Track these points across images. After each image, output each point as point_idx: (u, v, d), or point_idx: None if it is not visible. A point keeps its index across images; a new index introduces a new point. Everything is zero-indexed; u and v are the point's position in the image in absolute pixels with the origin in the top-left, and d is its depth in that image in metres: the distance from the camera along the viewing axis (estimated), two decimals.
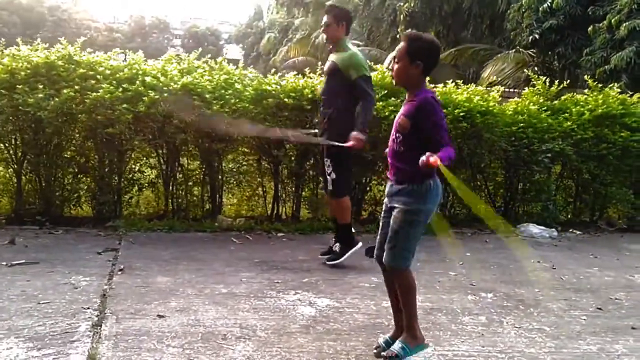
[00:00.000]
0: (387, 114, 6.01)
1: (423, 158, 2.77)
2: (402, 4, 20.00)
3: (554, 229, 6.76)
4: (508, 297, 4.43)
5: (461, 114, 6.37)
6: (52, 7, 66.98)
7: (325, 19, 4.93)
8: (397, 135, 3.08)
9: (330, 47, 5.07)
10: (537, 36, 12.99)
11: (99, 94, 5.59)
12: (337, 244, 5.02)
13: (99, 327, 3.39)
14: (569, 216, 7.83)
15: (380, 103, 6.06)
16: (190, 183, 6.45)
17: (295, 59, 29.07)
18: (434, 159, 2.74)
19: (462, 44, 19.06)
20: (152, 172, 6.47)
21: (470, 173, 7.15)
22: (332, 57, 4.93)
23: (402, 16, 20.02)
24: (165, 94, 5.72)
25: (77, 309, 3.66)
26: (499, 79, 14.89)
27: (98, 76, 5.77)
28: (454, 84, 6.90)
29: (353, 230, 5.12)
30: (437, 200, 3.07)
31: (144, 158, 6.44)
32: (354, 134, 4.56)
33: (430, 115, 2.93)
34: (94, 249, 5.09)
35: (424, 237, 6.25)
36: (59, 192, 6.23)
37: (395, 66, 3.04)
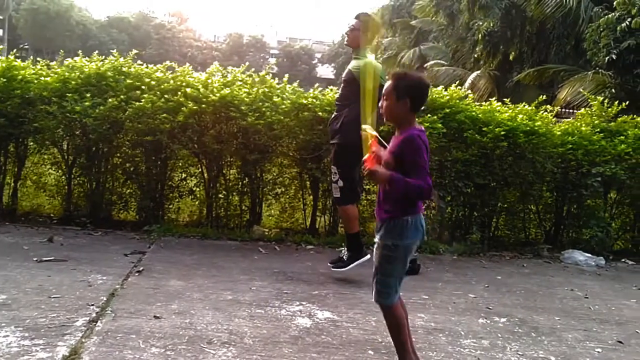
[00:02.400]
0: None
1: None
2: (481, 23, 19.59)
3: (601, 257, 6.36)
4: (522, 322, 4.23)
5: (502, 132, 6.17)
6: (158, 25, 70.95)
7: (353, 22, 4.94)
8: None
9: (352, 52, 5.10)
10: (614, 57, 12.35)
11: (141, 103, 5.86)
12: (347, 253, 4.99)
13: (94, 323, 3.54)
14: (629, 245, 7.36)
15: (417, 119, 5.95)
16: (230, 193, 6.59)
17: None
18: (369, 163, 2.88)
19: (547, 64, 18.44)
20: (192, 181, 6.67)
21: (520, 194, 6.88)
22: (350, 65, 4.96)
23: (480, 36, 19.60)
24: (204, 105, 5.91)
25: (82, 305, 3.84)
26: (579, 101, 14.28)
27: (143, 87, 6.05)
28: (495, 103, 6.71)
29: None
30: (416, 236, 3.00)
31: (187, 167, 6.64)
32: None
33: (410, 152, 2.88)
34: (124, 251, 5.31)
35: (455, 258, 6.18)
36: (107, 196, 6.55)
37: (384, 103, 3.03)
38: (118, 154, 6.44)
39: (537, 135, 6.37)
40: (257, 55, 73.51)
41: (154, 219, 6.40)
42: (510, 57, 20.14)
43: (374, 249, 3.05)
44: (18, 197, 6.58)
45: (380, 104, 3.04)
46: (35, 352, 3.07)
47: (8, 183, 6.49)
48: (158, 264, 4.98)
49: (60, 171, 6.49)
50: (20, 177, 6.57)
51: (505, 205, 6.88)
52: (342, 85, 5.09)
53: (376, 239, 3.03)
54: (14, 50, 6.69)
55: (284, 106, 6.09)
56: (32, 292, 4.02)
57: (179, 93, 6.03)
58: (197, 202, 6.75)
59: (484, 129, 6.25)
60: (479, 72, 22.49)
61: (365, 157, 2.96)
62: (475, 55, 21.67)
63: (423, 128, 3.05)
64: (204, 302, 4.12)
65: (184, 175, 6.66)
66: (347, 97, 4.85)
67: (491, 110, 6.55)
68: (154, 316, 3.73)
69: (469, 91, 7.09)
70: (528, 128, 6.34)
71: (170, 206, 6.65)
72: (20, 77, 6.09)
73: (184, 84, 6.18)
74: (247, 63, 7.02)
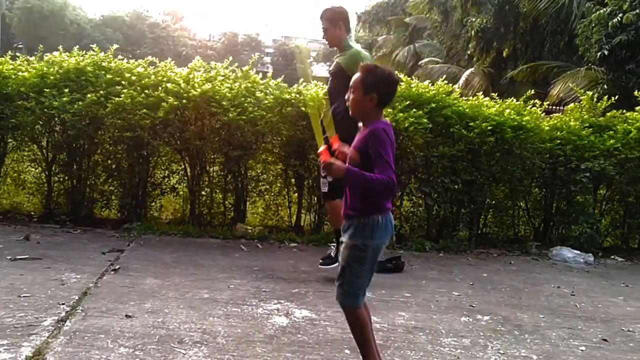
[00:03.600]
0: (407, 125, 5.81)
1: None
2: (474, 19, 19.49)
3: (590, 254, 6.27)
4: (505, 320, 4.14)
5: (489, 127, 6.07)
6: (152, 24, 70.65)
7: (322, 24, 4.81)
8: None
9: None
10: (606, 52, 12.26)
11: (121, 98, 5.74)
12: (335, 250, 4.88)
13: (62, 323, 3.43)
14: (619, 242, 7.27)
15: (402, 114, 5.88)
16: (213, 190, 6.48)
17: None
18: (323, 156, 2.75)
19: (541, 61, 18.38)
20: (175, 178, 6.56)
21: (508, 191, 6.79)
22: (337, 58, 4.83)
23: (473, 32, 19.51)
24: (185, 101, 5.79)
25: (53, 304, 3.73)
26: (572, 97, 14.18)
27: (123, 82, 5.93)
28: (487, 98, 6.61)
29: None
30: (386, 236, 2.88)
31: (169, 164, 6.54)
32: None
33: (375, 144, 2.74)
34: (102, 249, 5.20)
35: (441, 255, 6.08)
36: (88, 194, 6.43)
37: (351, 96, 2.91)
38: (99, 151, 6.32)
39: (525, 131, 6.28)
40: (252, 54, 73.15)
41: (136, 216, 6.29)
42: (504, 54, 20.03)
43: (342, 249, 2.93)
44: None
45: (346, 97, 2.93)
46: None
47: None
48: (136, 262, 4.87)
49: (39, 168, 6.38)
50: (0, 175, 6.45)
51: (493, 202, 6.79)
52: (330, 79, 4.95)
53: (344, 239, 2.91)
54: None
55: (266, 101, 5.99)
56: (1, 291, 3.91)
57: (160, 88, 5.92)
58: (180, 200, 6.65)
59: (470, 124, 6.15)
60: (473, 69, 22.38)
61: (320, 149, 2.83)
62: (469, 52, 21.55)
63: (390, 122, 2.93)
64: (179, 300, 4.01)
65: (166, 172, 6.56)
66: (337, 89, 4.70)
67: (478, 104, 6.46)
68: (126, 315, 3.63)
69: (457, 87, 6.99)
70: (516, 123, 6.25)
71: (153, 204, 6.55)
72: None
73: (165, 79, 6.07)
74: (229, 59, 6.82)
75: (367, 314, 2.98)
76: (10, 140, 6.36)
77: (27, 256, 4.75)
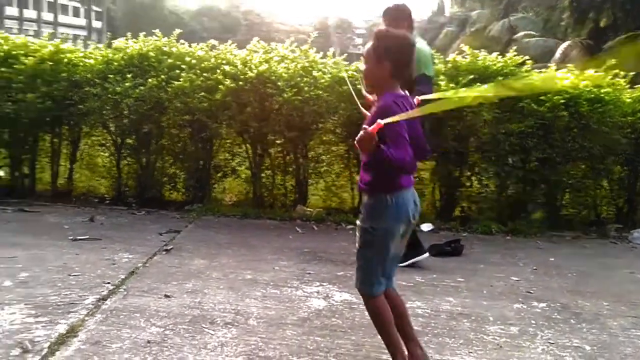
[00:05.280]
0: (470, 100, 5.50)
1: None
2: None
3: None
4: (563, 308, 3.83)
5: (562, 100, 5.64)
6: (246, 11, 72.11)
7: (384, 23, 4.54)
8: None
9: None
10: None
11: (180, 82, 5.83)
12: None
13: (103, 301, 3.52)
14: None
15: (464, 90, 5.56)
16: (274, 172, 6.47)
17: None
18: (371, 128, 2.35)
19: None
20: (237, 160, 6.61)
21: (588, 168, 6.29)
22: None
23: (567, 2, 18.33)
24: (241, 82, 5.79)
25: (99, 283, 3.84)
26: None
27: (183, 66, 6.01)
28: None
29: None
30: (398, 218, 2.60)
31: (232, 146, 6.59)
32: None
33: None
34: (161, 230, 5.31)
35: (509, 238, 5.73)
36: (156, 177, 6.61)
37: (363, 67, 2.70)
38: (164, 135, 6.45)
39: (603, 103, 5.78)
40: (344, 37, 72.98)
41: (200, 198, 6.39)
42: (601, 24, 18.71)
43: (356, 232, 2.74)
44: (74, 178, 6.77)
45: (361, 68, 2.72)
46: (34, 330, 3.06)
47: (63, 165, 6.67)
48: (189, 243, 4.94)
49: (109, 152, 6.62)
50: (76, 159, 6.75)
51: (570, 182, 6.31)
52: None
53: (357, 222, 2.72)
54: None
55: (323, 80, 5.87)
56: (54, 270, 4.06)
57: (218, 71, 5.94)
58: (242, 182, 6.69)
59: (541, 97, 5.74)
60: (569, 41, 21.09)
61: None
62: (562, 24, 20.31)
63: (404, 94, 2.68)
64: (221, 281, 4.02)
65: (228, 155, 6.62)
66: None
67: (551, 77, 5.99)
68: (165, 295, 3.67)
69: (553, 61, 6.53)
70: (592, 95, 5.77)
71: (215, 186, 6.63)
72: (66, 60, 6.22)
73: (224, 61, 6.09)
74: (297, 41, 6.72)
75: (395, 302, 2.75)
76: (82, 125, 6.63)
77: (87, 237, 4.93)
